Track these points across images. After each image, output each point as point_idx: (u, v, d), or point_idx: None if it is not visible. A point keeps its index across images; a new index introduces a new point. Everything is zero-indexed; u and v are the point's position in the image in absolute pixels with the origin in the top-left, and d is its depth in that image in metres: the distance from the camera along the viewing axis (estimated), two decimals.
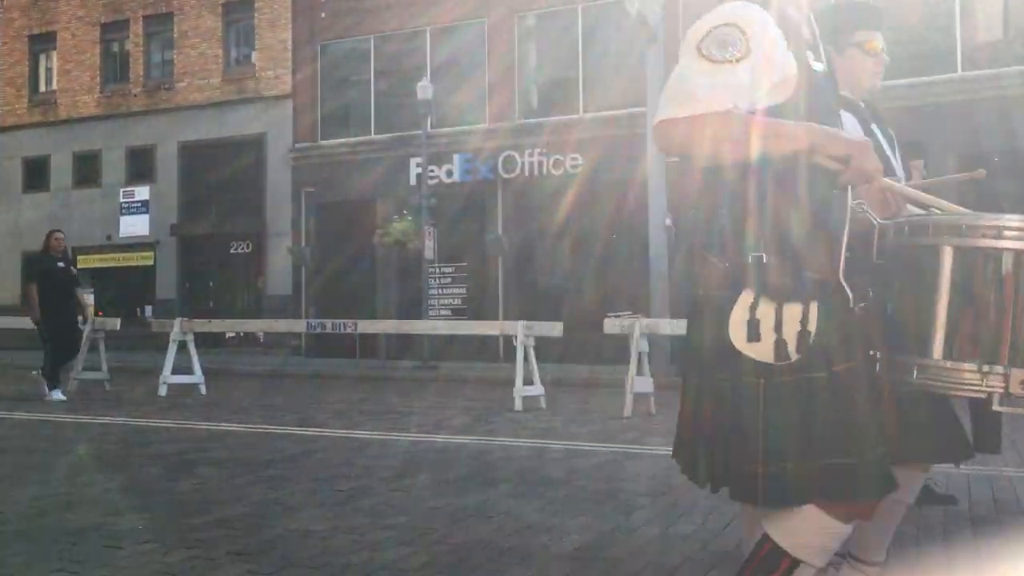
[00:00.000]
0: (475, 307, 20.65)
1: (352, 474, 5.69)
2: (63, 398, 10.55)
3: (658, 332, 10.51)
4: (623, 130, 19.04)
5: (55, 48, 26.32)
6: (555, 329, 10.65)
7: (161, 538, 3.98)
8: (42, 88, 26.77)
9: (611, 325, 10.08)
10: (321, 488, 5.20)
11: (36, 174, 26.35)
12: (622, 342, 10.06)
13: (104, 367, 12.11)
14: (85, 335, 12.33)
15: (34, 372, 10.82)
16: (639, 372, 9.39)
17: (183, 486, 5.25)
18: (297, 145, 22.74)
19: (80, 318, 11.43)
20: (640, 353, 9.47)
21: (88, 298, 25.50)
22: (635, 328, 9.53)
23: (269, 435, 7.71)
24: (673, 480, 5.46)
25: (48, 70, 26.76)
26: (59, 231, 11.46)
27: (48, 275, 10.79)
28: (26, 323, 11.47)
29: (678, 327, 11.82)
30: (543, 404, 10.15)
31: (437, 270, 20.49)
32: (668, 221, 15.57)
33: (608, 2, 18.99)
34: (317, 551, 3.79)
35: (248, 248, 23.74)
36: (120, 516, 4.42)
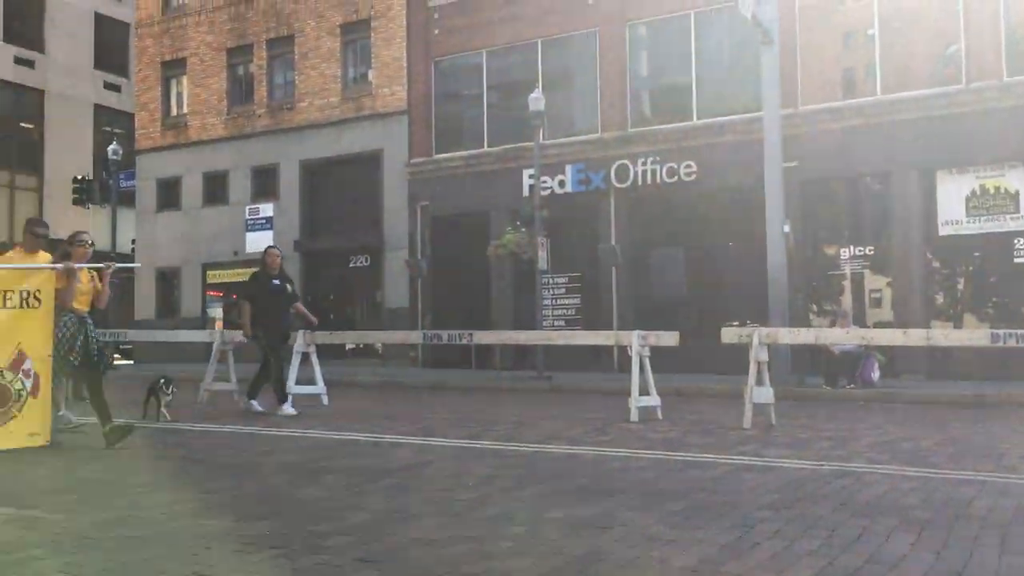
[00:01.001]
0: (588, 317, 20.59)
1: (471, 484, 5.74)
2: (294, 412, 10.47)
3: (778, 342, 10.24)
4: (738, 135, 18.71)
5: (185, 73, 27.65)
6: (671, 339, 10.50)
7: (289, 544, 4.11)
8: (174, 112, 28.15)
9: (729, 335, 9.88)
10: (441, 497, 5.27)
11: (169, 194, 27.72)
12: (739, 352, 9.83)
13: (233, 378, 12.60)
14: (215, 347, 12.88)
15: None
16: (759, 382, 9.17)
17: (309, 493, 5.40)
18: (412, 160, 23.20)
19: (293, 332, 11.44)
20: (759, 363, 9.24)
21: (218, 312, 26.72)
22: (754, 338, 9.32)
23: (390, 444, 7.86)
24: (796, 493, 5.32)
25: (179, 95, 28.13)
26: (275, 248, 11.37)
27: (265, 291, 10.80)
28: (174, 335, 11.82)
29: (798, 336, 11.54)
30: (659, 415, 10.02)
31: (550, 281, 20.54)
32: (786, 228, 15.19)
33: (721, 6, 18.70)
34: (438, 559, 3.83)
35: (366, 261, 24.33)
36: (250, 522, 4.58)
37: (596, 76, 21.02)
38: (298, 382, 12.10)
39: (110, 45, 36.69)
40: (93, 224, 31.15)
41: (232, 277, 26.26)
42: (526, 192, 20.61)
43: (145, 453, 7.24)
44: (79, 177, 28.66)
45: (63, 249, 8.08)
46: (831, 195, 19.32)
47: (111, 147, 25.65)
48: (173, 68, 27.99)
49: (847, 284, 18.46)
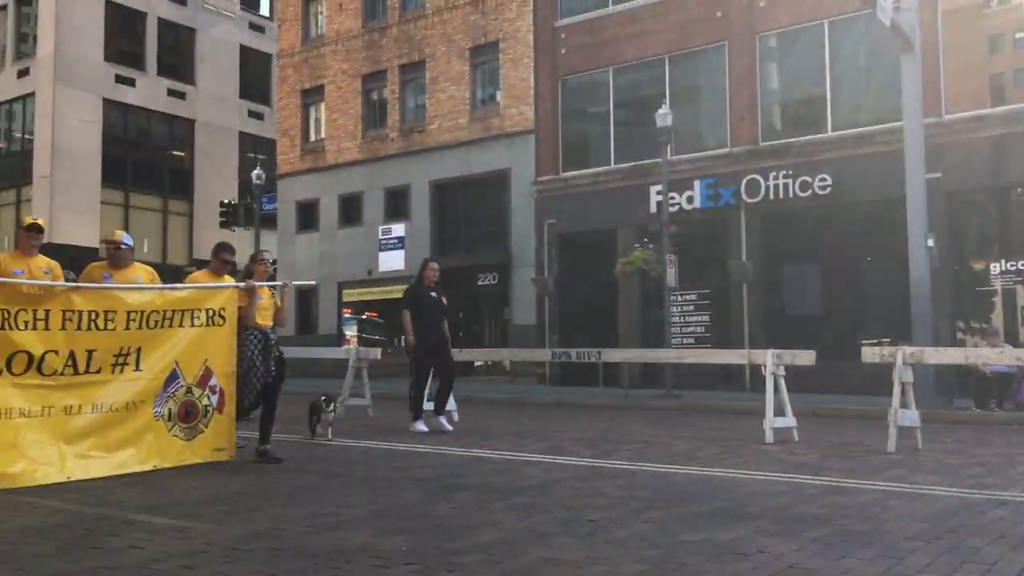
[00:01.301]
0: (718, 335, 20.19)
1: (602, 504, 5.70)
2: (425, 429, 10.37)
3: (923, 361, 9.75)
4: (876, 147, 18.03)
5: (323, 100, 28.75)
6: (807, 358, 10.16)
7: (424, 560, 4.17)
8: (312, 137, 29.29)
9: (870, 354, 9.47)
10: (572, 517, 5.25)
11: (308, 216, 28.82)
12: (878, 372, 9.43)
13: (368, 394, 12.93)
14: (350, 364, 13.25)
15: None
16: (903, 404, 8.76)
17: (442, 510, 5.48)
18: (539, 178, 23.36)
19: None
20: (904, 384, 8.83)
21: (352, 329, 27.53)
22: (898, 357, 8.91)
23: (519, 462, 7.89)
24: (948, 523, 5.04)
25: (317, 121, 29.25)
26: (433, 262, 11.23)
27: (422, 304, 10.72)
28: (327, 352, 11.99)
29: (944, 356, 10.96)
30: (796, 436, 9.70)
31: (679, 298, 20.25)
32: (930, 242, 14.52)
33: (857, 14, 18.08)
34: None
35: (494, 279, 24.61)
36: (386, 537, 4.68)
37: (725, 89, 20.67)
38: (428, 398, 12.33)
39: (254, 76, 38.60)
40: (238, 246, 32.66)
41: (366, 296, 27.03)
42: (653, 209, 20.43)
43: (286, 467, 7.50)
44: (225, 201, 30.15)
45: (245, 268, 8.29)
46: (979, 207, 18.37)
47: (254, 172, 26.92)
48: (312, 95, 29.15)
49: (997, 300, 17.46)
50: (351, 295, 27.60)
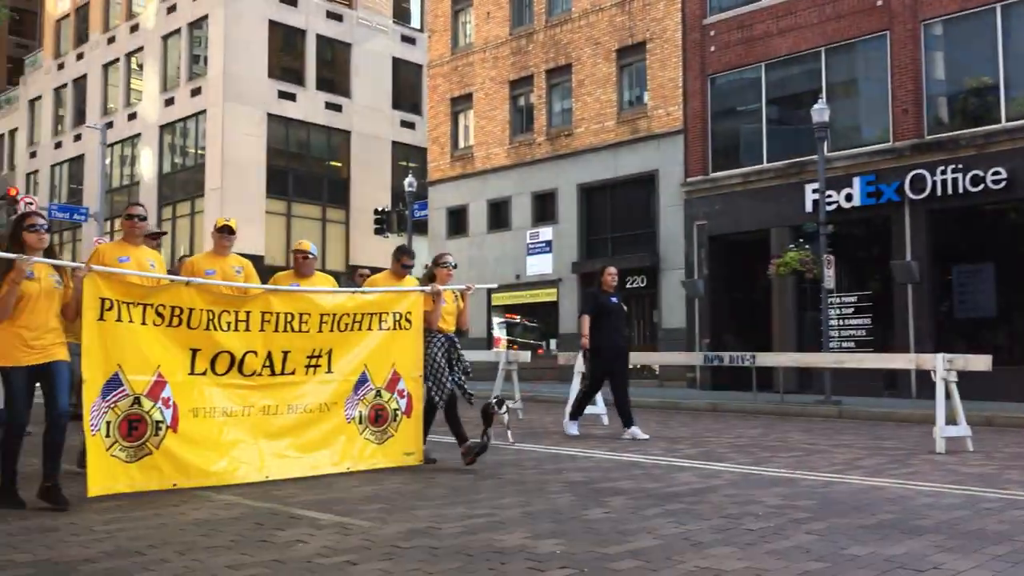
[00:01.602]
0: (881, 339, 19.25)
1: (761, 513, 5.52)
2: (576, 433, 10.47)
3: None
4: None
5: (471, 107, 29.27)
6: (982, 363, 9.53)
7: (578, 564, 4.14)
8: (461, 144, 29.86)
9: None
10: (730, 525, 5.10)
11: (457, 221, 29.39)
12: None
13: (518, 396, 13.04)
14: (500, 367, 13.39)
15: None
16: None
17: (594, 514, 5.44)
18: (688, 179, 22.96)
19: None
20: None
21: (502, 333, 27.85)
22: None
23: (672, 467, 7.76)
24: None
25: (466, 128, 29.80)
26: (612, 268, 10.99)
27: (602, 310, 10.52)
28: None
29: None
30: (970, 446, 9.12)
31: (838, 300, 19.44)
32: None
33: None
34: None
35: (643, 282, 24.35)
36: (540, 539, 4.68)
37: (886, 82, 19.70)
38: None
39: (405, 86, 39.76)
40: (389, 252, 33.71)
41: (514, 300, 27.31)
42: (809, 208, 19.69)
43: (441, 467, 7.64)
44: (379, 208, 31.11)
45: (428, 271, 8.27)
46: None
47: (407, 180, 27.68)
48: (461, 103, 29.72)
49: None
50: (500, 299, 27.93)
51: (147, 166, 37.77)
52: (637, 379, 23.54)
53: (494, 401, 9.32)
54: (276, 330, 6.87)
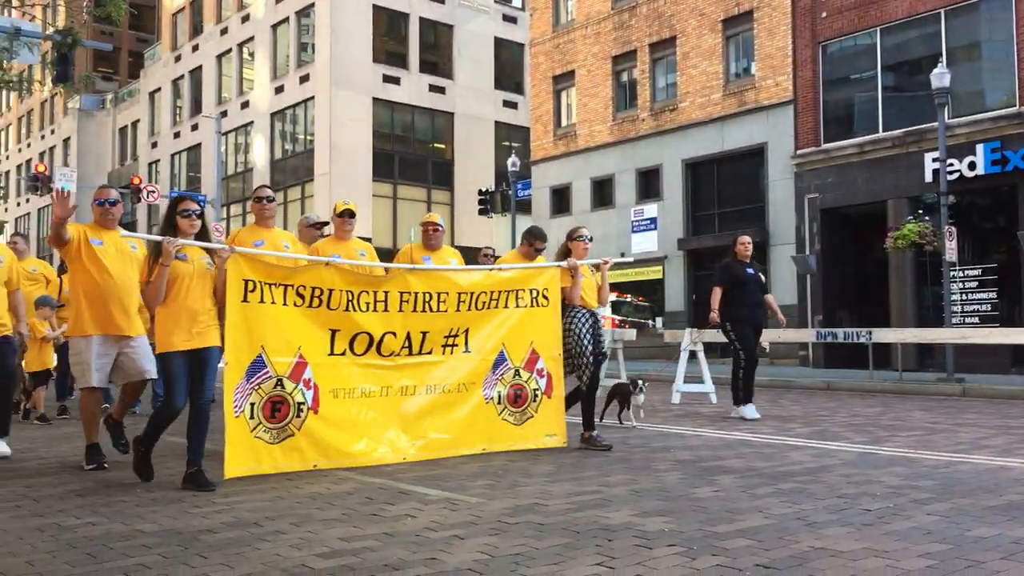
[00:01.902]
0: (1008, 314, 18.32)
1: (879, 493, 5.32)
2: (756, 416, 9.74)
3: None
4: None
5: (573, 85, 29.07)
6: None
7: (687, 543, 4.08)
8: (564, 123, 29.72)
9: None
10: (846, 505, 4.94)
11: (561, 200, 29.31)
12: None
13: (624, 375, 12.94)
14: (607, 345, 13.27)
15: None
16: None
17: (703, 492, 5.35)
18: (799, 151, 22.28)
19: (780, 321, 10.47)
20: None
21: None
22: None
23: (784, 446, 7.56)
24: None
25: (568, 106, 29.65)
26: (745, 236, 10.40)
27: (737, 281, 9.94)
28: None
29: None
30: None
31: (960, 273, 18.58)
32: None
33: None
34: (847, 572, 3.58)
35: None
36: (648, 517, 4.63)
37: (1011, 42, 18.64)
38: (686, 380, 12.15)
39: (507, 66, 39.82)
40: (495, 232, 33.97)
41: (618, 278, 27.10)
42: (929, 178, 18.85)
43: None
44: (483, 189, 31.32)
45: (563, 246, 7.88)
46: None
47: (510, 160, 27.74)
48: (563, 81, 29.56)
49: None
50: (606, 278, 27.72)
51: (259, 153, 38.97)
52: None
53: (629, 382, 9.04)
54: (414, 310, 6.76)
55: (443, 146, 38.25)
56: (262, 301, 6.01)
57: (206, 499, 5.13)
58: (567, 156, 29.04)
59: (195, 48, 44.07)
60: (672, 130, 25.62)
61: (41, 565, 3.71)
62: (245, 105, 39.99)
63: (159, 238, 5.58)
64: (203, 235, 5.85)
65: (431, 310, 6.86)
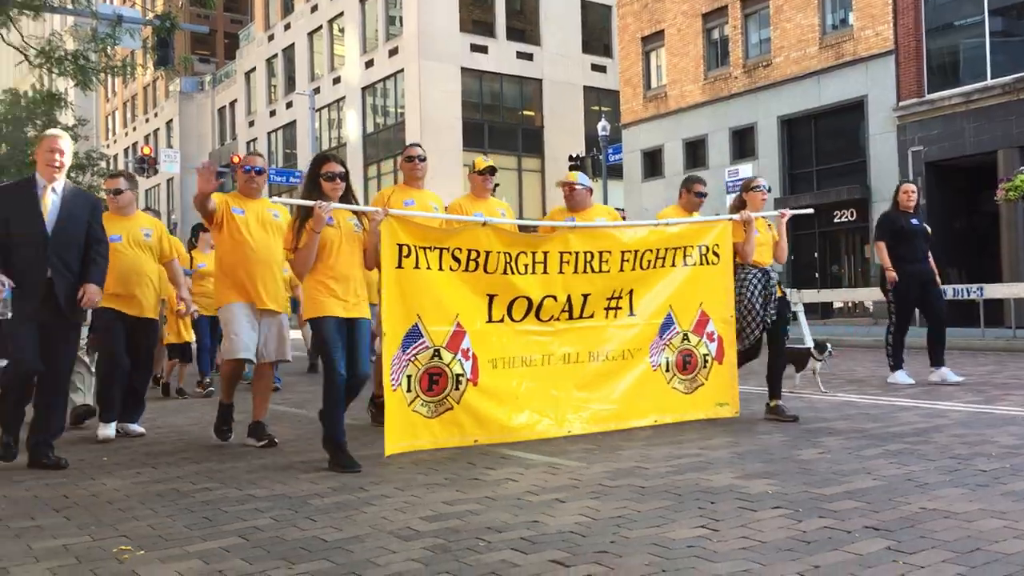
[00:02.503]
0: None
1: (995, 453, 5.13)
2: (909, 380, 8.97)
3: None
4: None
5: (663, 45, 28.54)
6: None
7: (792, 505, 4.01)
8: (654, 84, 29.23)
9: None
10: (959, 466, 4.77)
11: (653, 163, 28.93)
12: None
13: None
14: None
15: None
16: None
17: (807, 455, 5.25)
18: (901, 103, 21.40)
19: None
20: None
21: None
22: None
23: (891, 407, 7.35)
24: None
25: (658, 67, 29.14)
26: (910, 183, 9.41)
27: (899, 234, 9.12)
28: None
29: None
30: None
31: None
32: None
33: None
34: (962, 534, 3.47)
35: (852, 216, 23.09)
36: (750, 480, 4.57)
37: None
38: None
39: (595, 29, 39.33)
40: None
41: None
42: None
43: None
44: (573, 155, 31.13)
45: (738, 198, 7.15)
46: None
47: (600, 124, 27.48)
48: (652, 42, 29.05)
49: None
50: None
51: (352, 128, 39.56)
52: (849, 317, 22.48)
53: (814, 347, 8.32)
54: (575, 271, 6.28)
55: (532, 113, 38.11)
56: (417, 267, 5.63)
57: (313, 465, 5.29)
58: (658, 118, 28.58)
59: (287, 27, 44.87)
60: (766, 87, 24.92)
61: (161, 528, 3.88)
62: (337, 81, 40.59)
63: (310, 203, 5.28)
64: (348, 197, 5.54)
65: (593, 270, 6.37)
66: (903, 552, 3.28)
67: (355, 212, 5.53)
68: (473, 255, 5.90)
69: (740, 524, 3.72)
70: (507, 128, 37.36)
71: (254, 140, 48.22)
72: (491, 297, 5.99)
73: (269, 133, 46.78)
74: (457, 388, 5.77)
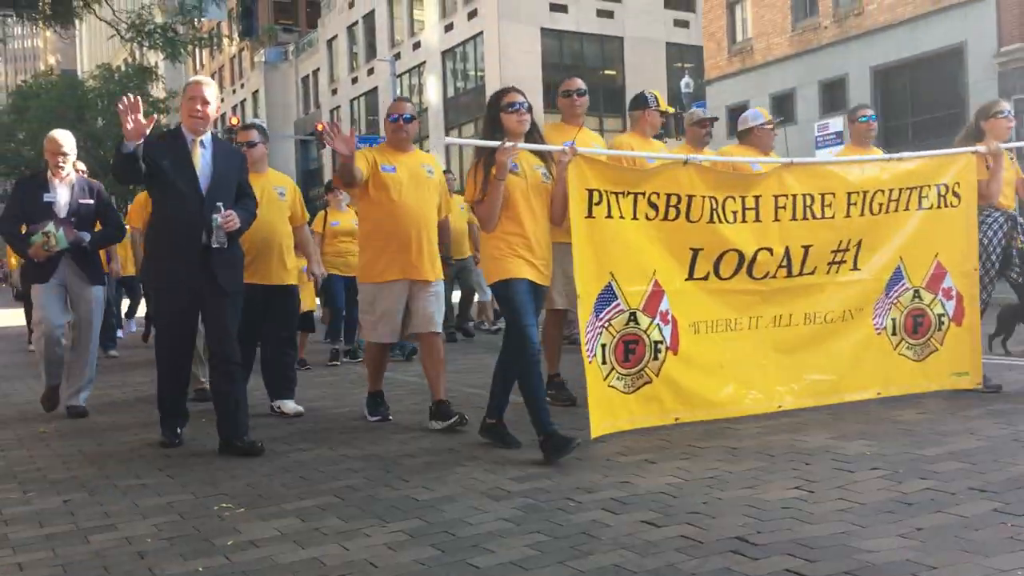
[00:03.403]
0: None
1: None
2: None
3: None
4: None
5: None
6: None
7: (892, 466, 3.90)
8: (739, 38, 28.46)
9: None
10: None
11: (738, 120, 28.22)
12: None
13: None
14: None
15: None
16: None
17: (906, 415, 5.09)
18: (1003, 49, 20.38)
19: None
20: None
21: None
22: None
23: (997, 366, 7.04)
24: None
25: (743, 20, 28.32)
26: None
27: None
28: None
29: None
30: None
31: None
32: None
33: None
34: None
35: None
36: (847, 440, 4.46)
37: None
38: None
39: None
40: None
41: None
42: None
43: None
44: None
45: (970, 126, 6.10)
46: None
47: (683, 81, 26.98)
48: None
49: None
50: None
51: (433, 92, 39.65)
52: None
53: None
54: (793, 218, 5.34)
55: (613, 72, 37.56)
56: (609, 216, 4.78)
57: (403, 427, 5.36)
58: (743, 73, 27.85)
59: None
60: (858, 36, 24.00)
61: (260, 487, 3.99)
62: (417, 46, 40.67)
63: (491, 143, 4.50)
64: (532, 136, 4.73)
65: (814, 217, 5.40)
66: (1011, 514, 3.16)
67: (536, 153, 4.71)
68: (673, 200, 5.00)
69: (837, 485, 3.63)
70: (588, 88, 36.80)
71: (337, 108, 48.78)
72: (695, 252, 5.08)
73: (352, 100, 47.24)
74: (656, 358, 4.91)
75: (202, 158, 4.77)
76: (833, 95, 25.04)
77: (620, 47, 37.26)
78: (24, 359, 10.38)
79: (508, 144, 4.42)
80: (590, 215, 4.70)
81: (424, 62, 40.14)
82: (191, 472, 4.34)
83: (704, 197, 5.07)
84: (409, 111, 5.37)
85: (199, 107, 4.72)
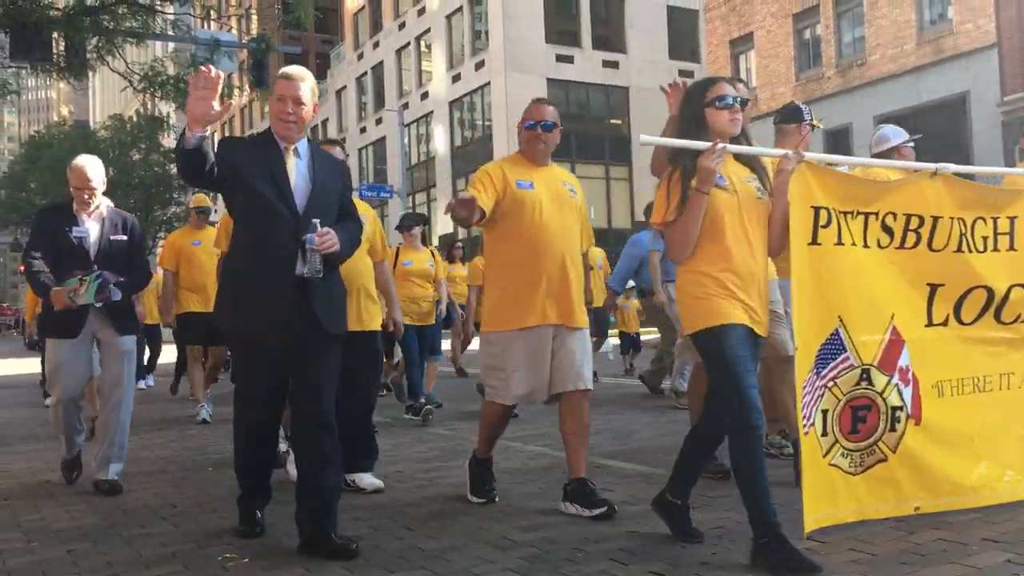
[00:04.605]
0: None
1: None
2: None
3: None
4: None
5: (752, 47, 28.09)
6: None
7: (904, 517, 3.85)
8: None
9: None
10: None
11: None
12: None
13: None
14: None
15: None
16: None
17: None
18: (1006, 98, 20.57)
19: None
20: None
21: None
22: None
23: None
24: None
25: (747, 70, 28.67)
26: None
27: None
28: None
29: None
30: None
31: None
32: None
33: None
34: None
35: None
36: None
37: None
38: None
39: (681, 35, 38.95)
40: None
41: None
42: None
43: None
44: None
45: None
46: None
47: None
48: (741, 44, 28.63)
49: None
50: None
51: (441, 142, 40.05)
52: None
53: None
54: None
55: (619, 121, 37.93)
56: (839, 242, 3.69)
57: (409, 476, 5.32)
58: (750, 122, 28.02)
59: (376, 45, 45.77)
60: (861, 86, 24.28)
61: (264, 537, 3.96)
62: (424, 96, 41.18)
63: (697, 144, 3.46)
64: (741, 142, 3.68)
65: None
66: None
67: (743, 161, 3.68)
68: (914, 223, 3.89)
69: (849, 536, 3.58)
70: (594, 137, 37.24)
71: (345, 157, 49.21)
72: (933, 288, 3.95)
73: (360, 149, 47.72)
74: (893, 428, 3.77)
75: (297, 169, 3.79)
76: (837, 143, 25.22)
77: (626, 97, 37.68)
78: (36, 413, 9.74)
79: (720, 146, 3.38)
80: (814, 241, 3.62)
81: (432, 112, 40.61)
82: (195, 521, 4.31)
83: (952, 219, 3.97)
84: (551, 116, 4.40)
85: (290, 108, 3.78)
